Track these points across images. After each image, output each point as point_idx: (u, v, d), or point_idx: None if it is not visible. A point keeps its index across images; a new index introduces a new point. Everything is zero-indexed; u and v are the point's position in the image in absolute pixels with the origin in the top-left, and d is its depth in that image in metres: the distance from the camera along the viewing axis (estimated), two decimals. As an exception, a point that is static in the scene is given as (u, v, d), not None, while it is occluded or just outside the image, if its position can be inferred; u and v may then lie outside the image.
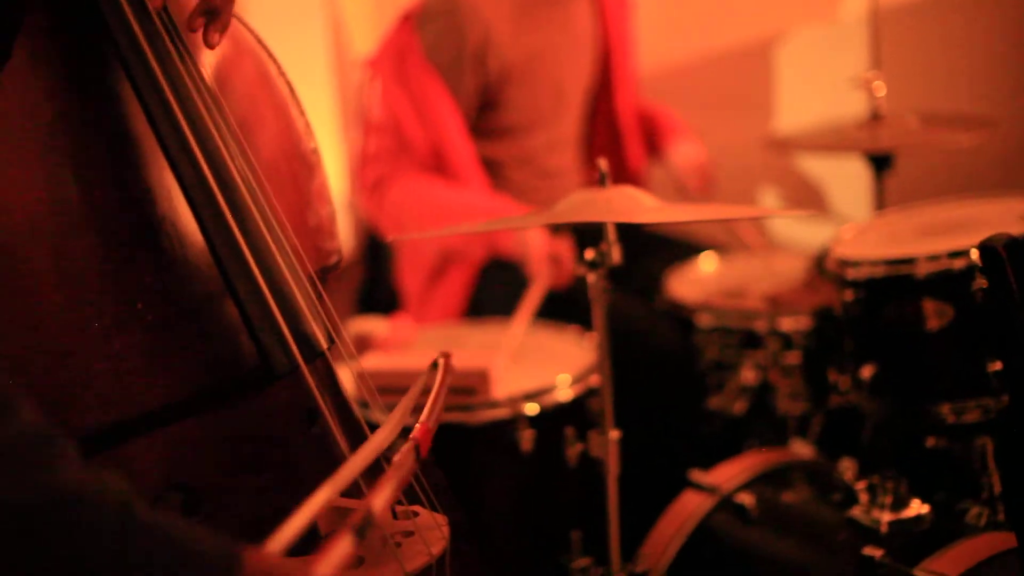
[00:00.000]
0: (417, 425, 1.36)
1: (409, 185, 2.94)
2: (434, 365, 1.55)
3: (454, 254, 2.98)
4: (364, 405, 2.06)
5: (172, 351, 1.35)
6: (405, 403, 1.43)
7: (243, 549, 1.14)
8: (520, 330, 2.57)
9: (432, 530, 1.43)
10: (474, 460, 2.31)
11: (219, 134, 1.41)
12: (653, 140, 3.41)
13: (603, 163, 1.95)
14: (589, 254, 1.96)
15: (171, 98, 1.36)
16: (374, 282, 3.22)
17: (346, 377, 1.77)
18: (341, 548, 1.11)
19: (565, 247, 2.74)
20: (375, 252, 3.33)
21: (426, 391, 1.48)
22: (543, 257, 2.72)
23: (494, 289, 2.97)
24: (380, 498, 1.18)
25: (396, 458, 1.29)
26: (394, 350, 2.56)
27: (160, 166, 1.37)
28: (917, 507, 2.00)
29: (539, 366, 2.48)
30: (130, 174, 1.35)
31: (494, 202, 2.92)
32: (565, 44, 3.11)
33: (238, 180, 1.40)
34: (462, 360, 2.38)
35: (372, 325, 2.61)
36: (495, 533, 2.35)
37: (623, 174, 3.26)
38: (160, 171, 1.37)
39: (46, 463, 1.07)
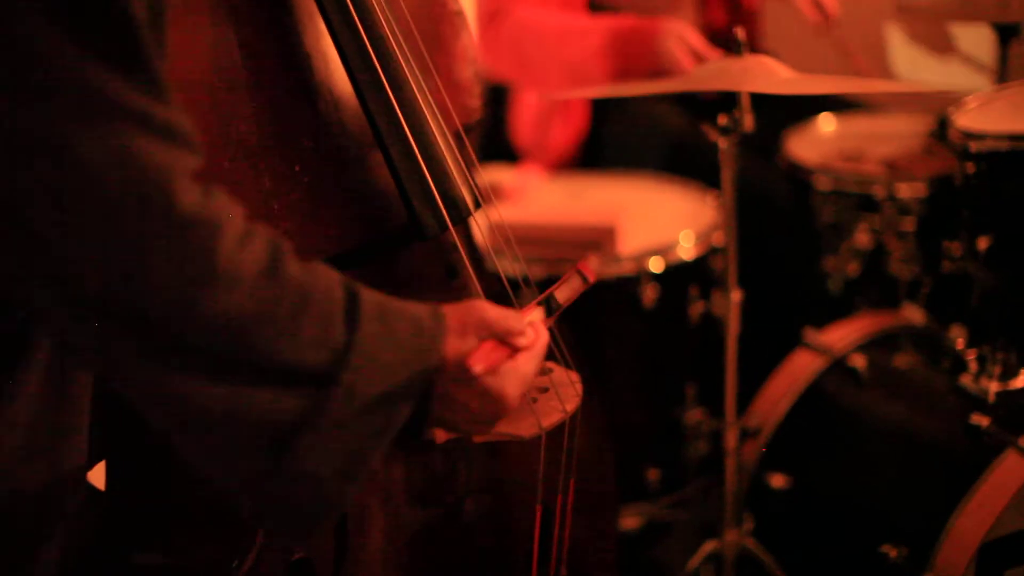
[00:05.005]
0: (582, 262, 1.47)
1: (527, 14, 2.88)
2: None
3: (579, 75, 2.87)
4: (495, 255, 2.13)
5: (326, 211, 1.41)
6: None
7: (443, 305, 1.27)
8: None
9: (566, 387, 1.48)
10: (598, 315, 2.39)
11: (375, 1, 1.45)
12: None
13: (740, 32, 1.98)
14: (722, 119, 2.00)
15: None
16: (495, 131, 3.25)
17: (477, 227, 1.83)
18: (535, 313, 1.36)
19: (696, 36, 2.70)
20: (495, 100, 3.36)
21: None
22: (687, 56, 2.66)
23: (619, 139, 3.00)
24: (561, 290, 1.38)
25: (566, 275, 1.41)
26: (521, 200, 2.62)
27: (318, 33, 1.41)
28: (1026, 378, 2.06)
29: (663, 223, 2.54)
30: (289, 41, 1.40)
31: (615, 20, 2.85)
32: None
33: (393, 45, 1.44)
34: (589, 216, 2.45)
35: (499, 175, 2.66)
36: (614, 386, 2.43)
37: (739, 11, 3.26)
38: (318, 38, 1.41)
39: (285, 265, 1.15)
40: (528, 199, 2.64)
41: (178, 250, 1.07)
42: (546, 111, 3.07)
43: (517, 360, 1.29)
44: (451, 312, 1.26)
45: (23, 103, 1.02)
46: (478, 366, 1.24)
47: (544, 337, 1.34)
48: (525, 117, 3.14)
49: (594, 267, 1.45)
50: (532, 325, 1.33)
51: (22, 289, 1.08)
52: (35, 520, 1.27)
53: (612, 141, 3.01)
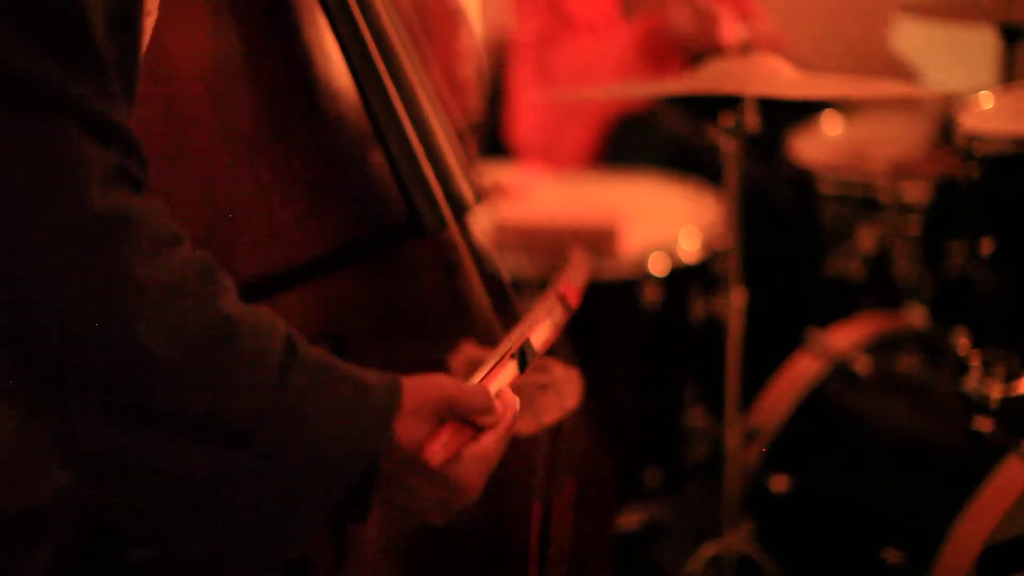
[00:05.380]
0: (563, 283, 1.42)
1: (574, 50, 2.95)
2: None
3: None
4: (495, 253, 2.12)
5: (325, 207, 1.39)
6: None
7: (400, 377, 1.12)
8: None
9: (566, 384, 1.46)
10: (599, 315, 2.37)
11: None
12: None
13: (746, 32, 1.97)
14: (725, 120, 1.98)
15: None
16: (493, 129, 3.25)
17: (478, 225, 1.81)
18: (507, 371, 1.21)
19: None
20: (493, 99, 3.35)
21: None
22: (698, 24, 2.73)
23: (628, 141, 3.00)
24: (537, 333, 1.27)
25: (546, 303, 1.35)
26: (522, 199, 2.61)
27: (319, 29, 1.40)
28: (1029, 382, 2.05)
29: (665, 223, 2.52)
30: (289, 34, 1.38)
31: (638, 25, 2.90)
32: None
33: (394, 38, 1.42)
34: (590, 215, 2.44)
35: (498, 173, 2.65)
36: (615, 386, 2.42)
37: None
38: (319, 33, 1.40)
39: (213, 292, 1.03)
40: (529, 198, 2.63)
41: (81, 254, 0.95)
42: (557, 112, 3.07)
43: (481, 443, 1.14)
44: (409, 387, 1.12)
45: None
46: (436, 458, 1.10)
47: (514, 409, 1.19)
48: (527, 116, 3.14)
49: (578, 288, 1.39)
50: (500, 397, 1.18)
51: None
52: (25, 537, 1.22)
53: (614, 139, 3.01)
